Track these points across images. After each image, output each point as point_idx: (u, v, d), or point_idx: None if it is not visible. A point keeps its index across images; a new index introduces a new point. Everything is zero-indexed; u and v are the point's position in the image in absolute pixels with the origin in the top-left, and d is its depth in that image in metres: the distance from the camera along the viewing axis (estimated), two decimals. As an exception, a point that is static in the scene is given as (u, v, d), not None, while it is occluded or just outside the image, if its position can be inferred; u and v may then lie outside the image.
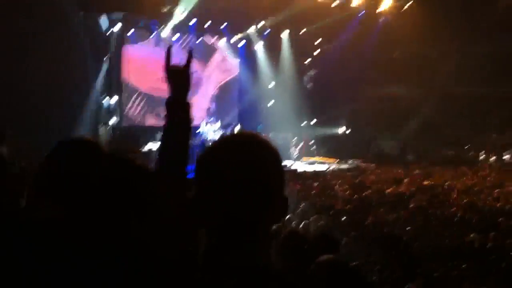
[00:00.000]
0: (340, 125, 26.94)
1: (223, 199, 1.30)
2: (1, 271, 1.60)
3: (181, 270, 1.68)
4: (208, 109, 24.19)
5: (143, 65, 21.06)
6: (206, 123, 21.25)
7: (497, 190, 13.13)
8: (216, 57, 24.65)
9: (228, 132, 20.70)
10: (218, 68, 24.84)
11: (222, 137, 1.44)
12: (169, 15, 20.81)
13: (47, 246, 1.62)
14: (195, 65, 23.04)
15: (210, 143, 1.45)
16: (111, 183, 1.78)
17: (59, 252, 1.60)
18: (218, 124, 21.49)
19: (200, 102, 23.36)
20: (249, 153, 1.33)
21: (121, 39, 20.78)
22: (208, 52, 24.26)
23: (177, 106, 2.00)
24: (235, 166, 1.30)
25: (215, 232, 1.35)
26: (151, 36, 21.69)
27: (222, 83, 25.03)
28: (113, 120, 20.36)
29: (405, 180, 15.71)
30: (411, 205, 11.34)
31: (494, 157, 21.81)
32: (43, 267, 1.57)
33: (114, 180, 1.79)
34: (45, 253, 1.60)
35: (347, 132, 26.78)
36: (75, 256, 1.58)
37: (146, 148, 19.20)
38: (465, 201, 11.60)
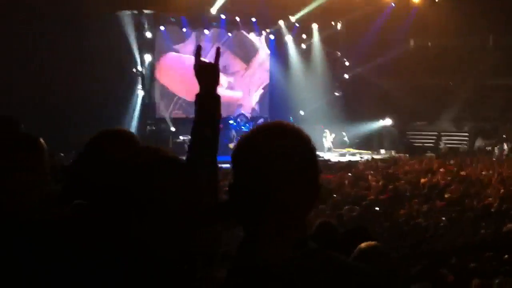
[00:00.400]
0: (372, 117, 26.68)
1: (244, 190, 1.31)
2: (1, 271, 1.59)
3: (181, 270, 1.67)
4: (253, 109, 24.38)
5: (175, 66, 21.51)
6: (238, 116, 21.37)
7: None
8: (259, 56, 24.82)
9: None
10: (261, 68, 24.95)
11: (255, 127, 1.42)
12: (199, 10, 20.91)
13: (47, 246, 1.60)
14: (235, 62, 23.32)
15: (243, 133, 1.45)
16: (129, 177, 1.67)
17: (59, 252, 1.58)
18: (250, 116, 21.58)
19: (243, 100, 23.72)
20: (273, 143, 1.31)
21: (154, 35, 21.05)
22: (250, 50, 24.44)
23: (207, 100, 2.05)
24: (260, 156, 1.30)
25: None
26: (183, 31, 21.89)
27: (265, 84, 25.16)
28: (147, 113, 20.68)
29: (440, 171, 15.48)
30: (446, 196, 11.18)
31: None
32: (43, 267, 1.56)
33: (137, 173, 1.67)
34: (45, 253, 1.58)
35: (380, 123, 26.51)
36: (75, 255, 1.56)
37: (180, 139, 19.56)
38: (502, 191, 11.36)
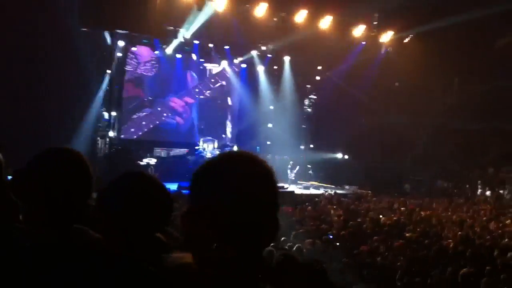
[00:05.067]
0: (337, 151, 26.97)
1: (206, 219, 1.28)
2: (2, 271, 1.61)
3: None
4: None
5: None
6: (204, 142, 21.30)
7: (492, 224, 13.08)
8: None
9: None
10: (219, 89, 25.05)
11: (218, 155, 1.41)
12: (173, 34, 20.94)
13: (45, 248, 1.64)
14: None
15: (205, 160, 1.42)
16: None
17: (56, 253, 1.62)
18: (216, 143, 21.53)
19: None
20: (237, 173, 1.30)
21: (124, 55, 20.93)
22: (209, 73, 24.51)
23: None
24: (222, 185, 1.28)
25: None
26: (155, 54, 21.93)
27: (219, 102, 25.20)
28: (112, 134, 20.35)
29: (401, 210, 15.67)
30: (406, 235, 11.28)
31: (489, 192, 21.78)
32: (42, 267, 1.59)
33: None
34: (44, 254, 1.62)
35: (345, 158, 26.79)
36: (71, 256, 1.60)
37: (144, 161, 19.37)
38: (459, 233, 11.54)
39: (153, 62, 21.55)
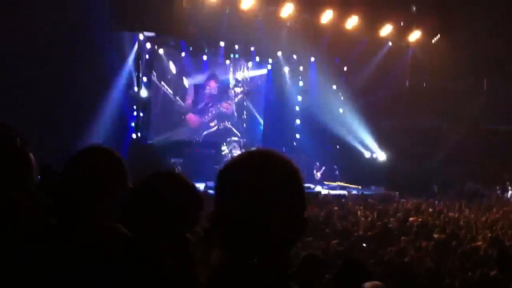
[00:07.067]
0: (364, 152, 26.77)
1: (231, 217, 1.27)
2: (3, 271, 1.62)
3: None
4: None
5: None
6: (229, 141, 21.40)
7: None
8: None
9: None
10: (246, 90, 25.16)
11: (242, 153, 1.38)
12: (199, 36, 21.04)
13: (45, 248, 1.64)
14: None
15: (231, 158, 1.40)
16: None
17: (58, 253, 1.62)
18: (242, 143, 21.61)
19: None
20: (261, 172, 1.27)
21: (152, 57, 21.16)
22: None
23: None
24: (246, 184, 1.25)
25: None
26: (182, 55, 22.16)
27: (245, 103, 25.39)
28: (139, 134, 20.54)
29: (429, 211, 15.48)
30: (434, 236, 11.15)
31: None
32: (42, 267, 1.59)
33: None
34: (44, 254, 1.62)
35: (371, 159, 26.56)
36: (74, 257, 1.61)
37: (171, 161, 19.57)
38: (489, 235, 11.35)
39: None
